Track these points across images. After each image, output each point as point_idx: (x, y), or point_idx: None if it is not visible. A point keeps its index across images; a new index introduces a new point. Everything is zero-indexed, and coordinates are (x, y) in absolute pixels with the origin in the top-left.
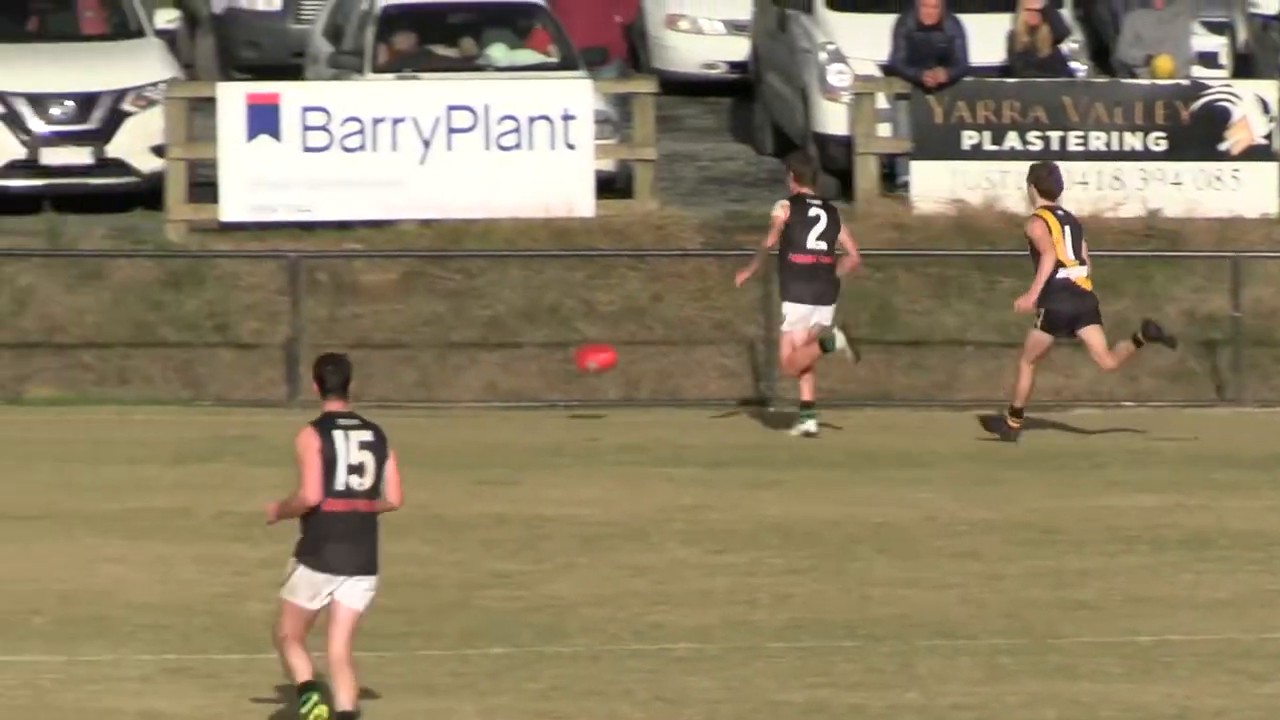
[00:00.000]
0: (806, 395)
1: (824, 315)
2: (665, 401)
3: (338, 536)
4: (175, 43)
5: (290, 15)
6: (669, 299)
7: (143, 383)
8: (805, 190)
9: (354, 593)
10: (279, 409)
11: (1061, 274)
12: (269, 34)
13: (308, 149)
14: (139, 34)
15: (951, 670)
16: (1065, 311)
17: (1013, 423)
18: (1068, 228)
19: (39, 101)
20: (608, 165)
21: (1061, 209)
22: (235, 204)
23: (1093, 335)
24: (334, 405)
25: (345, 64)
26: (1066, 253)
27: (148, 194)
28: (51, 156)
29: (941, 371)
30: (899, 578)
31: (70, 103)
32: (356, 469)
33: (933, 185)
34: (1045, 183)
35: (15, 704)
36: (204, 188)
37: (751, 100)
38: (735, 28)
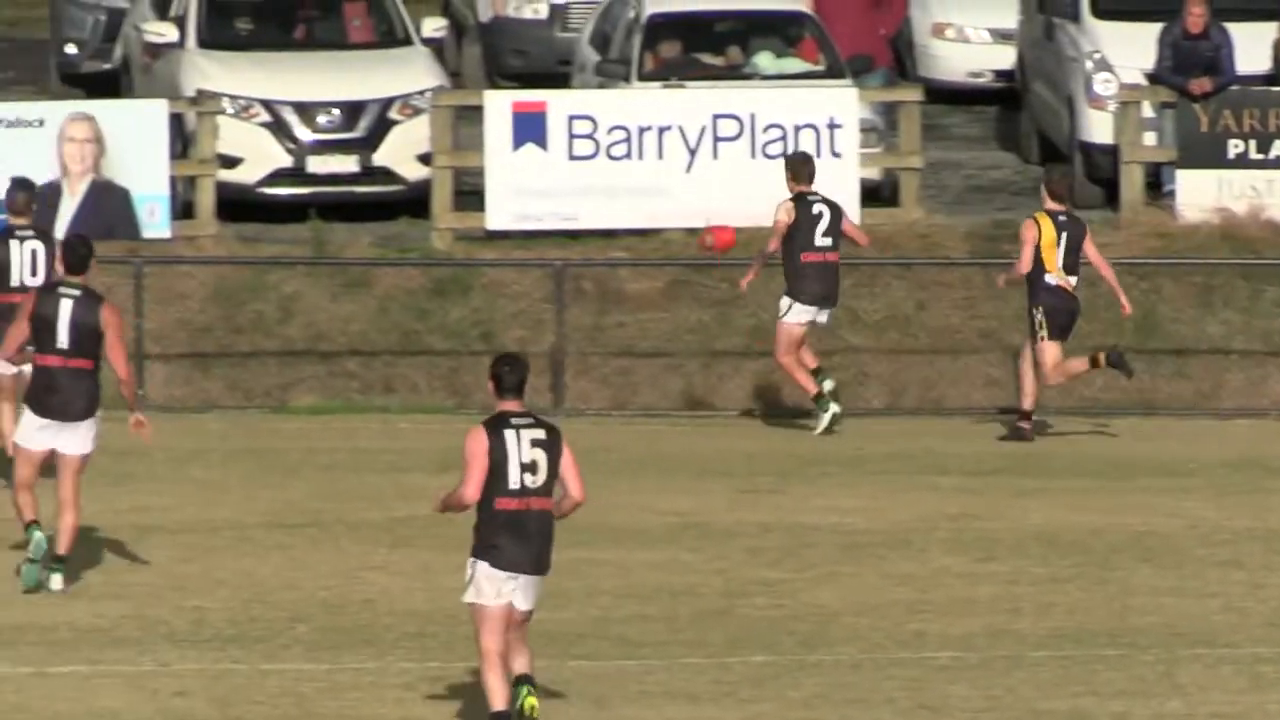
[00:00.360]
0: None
1: (825, 318)
2: (929, 410)
3: (513, 533)
4: (442, 51)
5: (557, 23)
6: (933, 307)
7: (408, 391)
8: (804, 188)
9: (528, 592)
10: (544, 417)
11: (1049, 278)
12: (535, 42)
13: (574, 157)
14: (406, 42)
15: (1214, 679)
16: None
17: (1024, 424)
18: (1064, 234)
19: (306, 110)
20: (873, 174)
21: (1065, 214)
22: (501, 212)
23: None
24: (509, 405)
25: (612, 72)
26: (1056, 262)
27: (413, 202)
28: (318, 164)
29: (1206, 380)
30: (1161, 586)
31: (337, 111)
32: (529, 467)
33: (1198, 194)
34: (1053, 186)
35: (278, 712)
36: (469, 196)
37: (1017, 108)
38: (1001, 36)
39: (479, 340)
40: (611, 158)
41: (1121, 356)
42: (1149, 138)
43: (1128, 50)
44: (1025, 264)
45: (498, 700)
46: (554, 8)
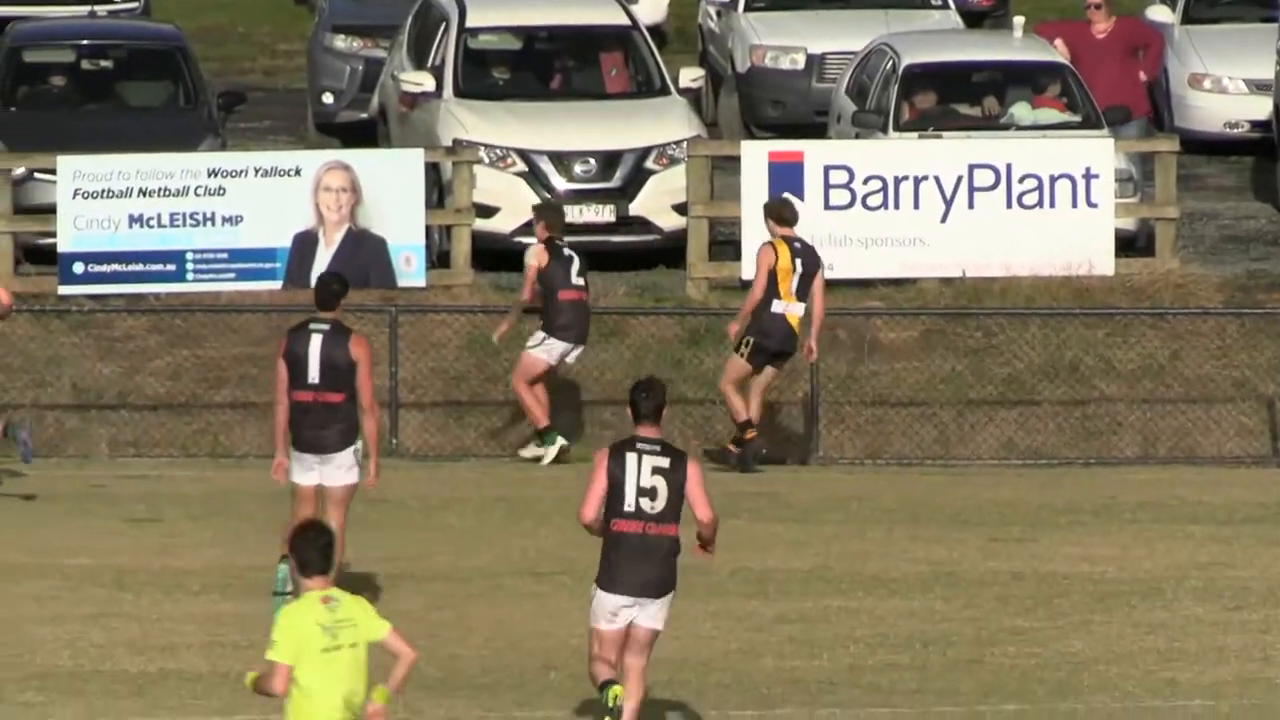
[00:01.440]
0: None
1: (578, 355)
2: (1182, 459)
3: (627, 556)
4: (699, 101)
5: (813, 74)
6: (1188, 357)
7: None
8: (554, 236)
9: (649, 614)
10: (796, 466)
11: (777, 306)
12: (792, 92)
13: (830, 207)
14: (663, 92)
15: None
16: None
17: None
18: (799, 260)
19: (562, 159)
20: (1128, 224)
21: (799, 240)
22: None
23: (771, 375)
24: (643, 430)
25: (868, 122)
26: (790, 288)
27: (669, 251)
28: (573, 214)
29: None
30: None
31: (593, 160)
32: (647, 492)
33: None
34: (781, 213)
35: None
36: (724, 245)
37: (1273, 159)
38: (1258, 87)
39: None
40: (867, 207)
41: (751, 455)
42: None
43: None
44: (760, 289)
45: (603, 675)
46: (811, 58)
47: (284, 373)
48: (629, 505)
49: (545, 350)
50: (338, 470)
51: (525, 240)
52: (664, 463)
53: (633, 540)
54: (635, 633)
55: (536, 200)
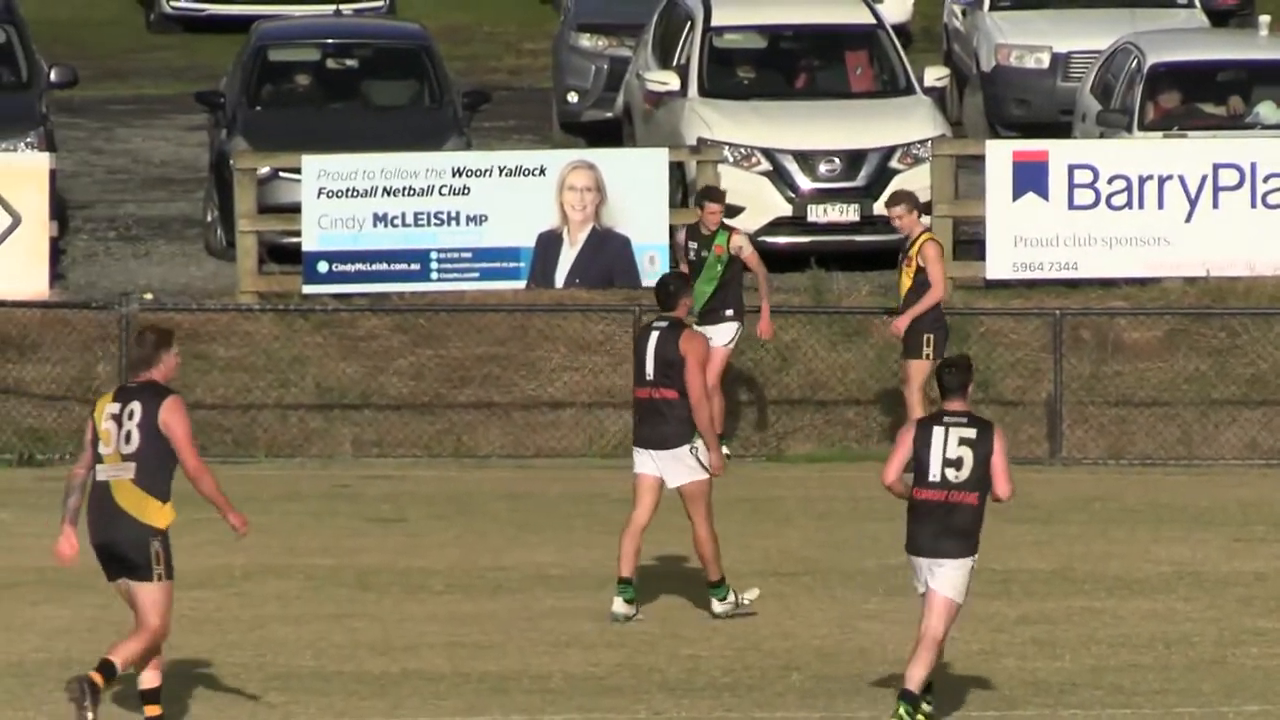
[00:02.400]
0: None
1: None
2: None
3: (925, 522)
4: (944, 100)
5: (1058, 73)
6: None
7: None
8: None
9: (943, 577)
10: (1040, 466)
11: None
12: (1037, 91)
13: (1074, 206)
14: (908, 91)
15: None
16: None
17: None
18: None
19: (806, 159)
20: None
21: None
22: (1001, 261)
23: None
24: (951, 404)
25: (1113, 121)
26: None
27: None
28: (818, 213)
29: None
30: None
31: (838, 160)
32: (953, 463)
33: None
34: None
35: None
36: (969, 245)
37: None
38: None
39: (976, 389)
40: (1112, 207)
41: None
42: None
43: None
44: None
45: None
46: (1056, 57)
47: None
48: (934, 475)
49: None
50: (681, 467)
51: (769, 239)
52: (970, 434)
53: (934, 507)
54: (931, 598)
55: (781, 199)
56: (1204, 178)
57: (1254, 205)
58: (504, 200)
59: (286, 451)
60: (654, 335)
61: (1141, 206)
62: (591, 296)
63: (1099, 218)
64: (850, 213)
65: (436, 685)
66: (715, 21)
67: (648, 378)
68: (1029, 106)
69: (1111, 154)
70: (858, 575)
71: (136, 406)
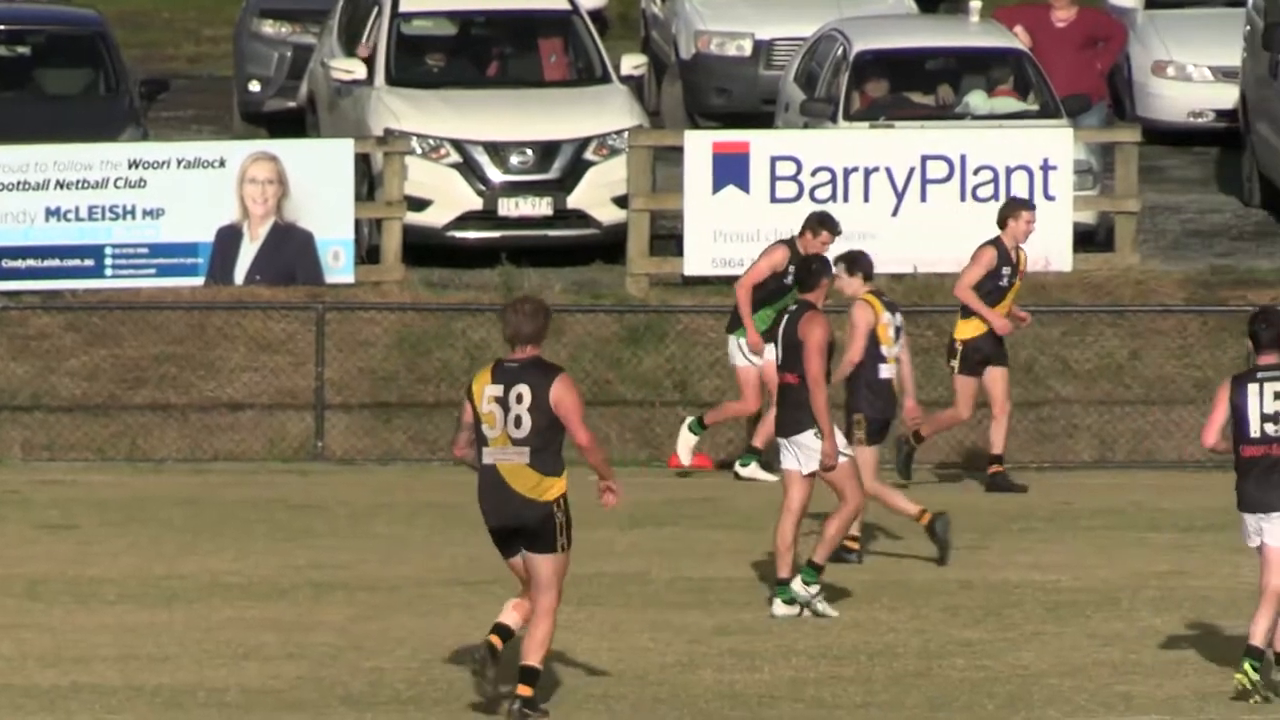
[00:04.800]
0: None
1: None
2: (1141, 463)
3: (1251, 478)
4: (641, 89)
5: (761, 61)
6: (1148, 357)
7: (599, 443)
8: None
9: (1269, 530)
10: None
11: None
12: (738, 80)
13: (776, 200)
14: (604, 80)
15: None
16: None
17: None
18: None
19: (497, 150)
20: (1087, 217)
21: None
22: (699, 257)
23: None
24: (1265, 358)
25: (817, 111)
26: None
27: (608, 246)
28: (509, 207)
29: None
30: None
31: (530, 151)
32: (1271, 417)
33: None
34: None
35: None
36: (666, 240)
37: (1239, 150)
38: (1224, 74)
39: (673, 390)
40: (815, 200)
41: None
42: None
43: None
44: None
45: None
46: (758, 45)
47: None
48: (1254, 431)
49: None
50: (800, 454)
51: (458, 234)
52: None
53: (1260, 463)
54: (1266, 552)
55: (471, 192)
56: (911, 170)
57: (963, 198)
58: (182, 193)
59: None
60: (786, 318)
61: (847, 200)
62: (273, 294)
63: (802, 211)
64: (543, 206)
65: (108, 699)
66: (403, 7)
67: (778, 362)
68: (730, 96)
69: (815, 145)
70: None
71: (524, 390)
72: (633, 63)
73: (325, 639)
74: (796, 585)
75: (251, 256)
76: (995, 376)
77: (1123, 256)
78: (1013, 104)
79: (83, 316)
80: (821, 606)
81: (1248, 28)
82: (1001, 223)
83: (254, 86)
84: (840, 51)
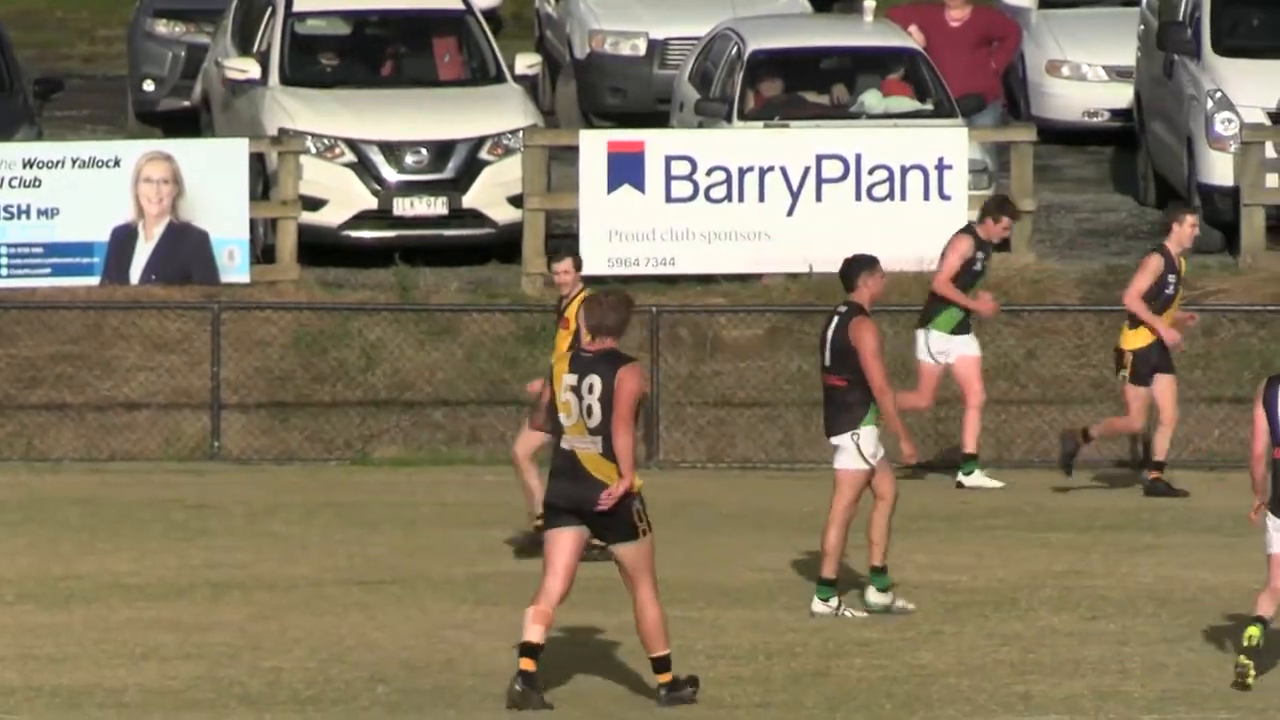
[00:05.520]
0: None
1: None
2: (1038, 463)
3: None
4: (535, 89)
5: (655, 60)
6: (1044, 356)
7: (495, 442)
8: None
9: None
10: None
11: None
12: (633, 80)
13: (671, 199)
14: (498, 80)
15: None
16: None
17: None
18: None
19: (392, 149)
20: None
21: None
22: (595, 256)
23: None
24: None
25: (712, 111)
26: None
27: (503, 246)
28: (404, 207)
29: None
30: (1279, 646)
31: (425, 151)
32: None
33: None
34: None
35: None
36: (562, 239)
37: (1134, 149)
38: (1118, 74)
39: None
40: (711, 200)
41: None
42: (1271, 180)
43: (1250, 89)
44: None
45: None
46: (652, 44)
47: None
48: None
49: None
50: (840, 455)
51: (353, 234)
52: None
53: None
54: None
55: (366, 192)
56: (807, 169)
57: (859, 198)
58: (77, 193)
59: None
60: (834, 320)
61: (742, 199)
62: (169, 293)
63: (697, 211)
64: (438, 205)
65: (6, 699)
66: (297, 7)
67: (825, 363)
68: (625, 95)
69: (710, 145)
70: (446, 584)
71: (596, 381)
72: (527, 62)
73: (223, 639)
74: (872, 596)
75: (147, 256)
76: (1164, 385)
77: (1019, 256)
78: (907, 103)
79: None
80: (900, 604)
81: (1142, 27)
82: (1166, 228)
83: (148, 86)
84: (734, 51)
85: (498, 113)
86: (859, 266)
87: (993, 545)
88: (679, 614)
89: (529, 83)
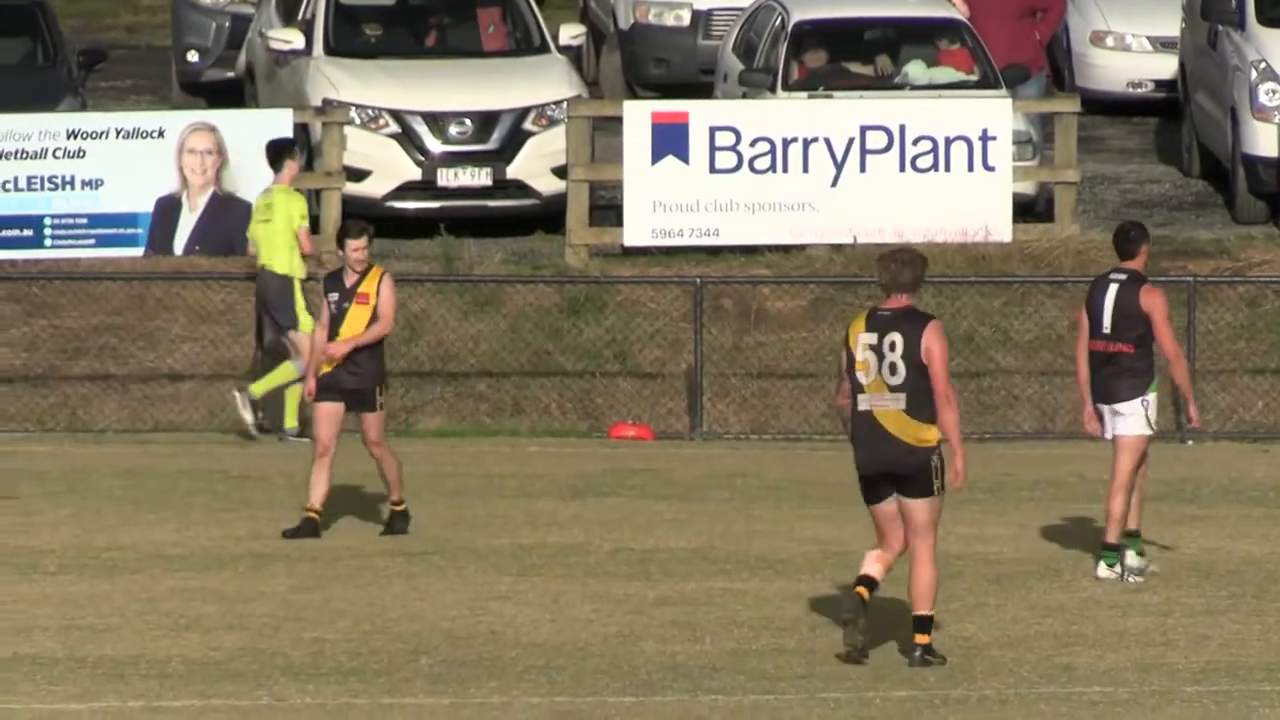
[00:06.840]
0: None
1: None
2: (1081, 435)
3: None
4: (580, 59)
5: (699, 31)
6: None
7: (538, 413)
8: None
9: None
10: (680, 441)
11: None
12: (677, 50)
13: (715, 170)
14: (542, 50)
15: None
16: None
17: None
18: None
19: (436, 120)
20: (1027, 188)
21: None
22: (639, 227)
23: None
24: None
25: (756, 81)
26: None
27: (547, 217)
28: (448, 177)
29: None
30: None
31: (469, 122)
32: None
33: None
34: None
35: None
36: (606, 210)
37: (1178, 120)
38: (1162, 45)
39: (613, 361)
40: (755, 171)
41: None
42: None
43: None
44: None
45: None
46: (696, 14)
47: (1084, 322)
48: None
49: None
50: (1126, 420)
51: (397, 205)
52: None
53: None
54: None
55: (410, 162)
56: (851, 140)
57: (902, 169)
58: (121, 164)
59: None
60: (1112, 287)
61: (786, 170)
62: (212, 264)
63: (741, 182)
64: (482, 176)
65: (50, 670)
66: None
67: (1104, 330)
68: (669, 66)
69: (754, 115)
70: (490, 555)
71: (897, 338)
72: (571, 33)
73: (266, 610)
74: (1131, 559)
75: (191, 227)
76: None
77: (1062, 227)
78: (952, 74)
79: (22, 287)
80: (1152, 568)
81: None
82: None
83: (192, 56)
84: (779, 21)
85: (542, 83)
86: (1142, 234)
87: (1036, 516)
88: (723, 585)
89: (573, 53)
